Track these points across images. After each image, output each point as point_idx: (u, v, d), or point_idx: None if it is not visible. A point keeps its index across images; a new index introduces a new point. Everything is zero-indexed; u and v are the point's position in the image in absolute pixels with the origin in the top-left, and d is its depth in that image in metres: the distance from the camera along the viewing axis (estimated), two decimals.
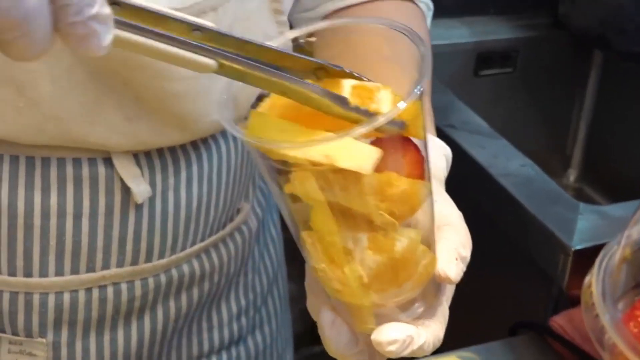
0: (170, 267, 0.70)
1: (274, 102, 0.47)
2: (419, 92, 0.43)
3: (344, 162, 0.42)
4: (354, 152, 0.42)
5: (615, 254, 0.36)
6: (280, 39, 0.50)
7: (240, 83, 0.48)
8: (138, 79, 0.61)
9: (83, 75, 0.61)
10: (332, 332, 0.50)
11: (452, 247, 0.51)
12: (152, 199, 0.68)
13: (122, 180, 0.66)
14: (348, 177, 0.44)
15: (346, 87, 0.46)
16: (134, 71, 0.61)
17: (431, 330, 0.50)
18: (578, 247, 0.95)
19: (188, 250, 0.71)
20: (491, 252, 1.00)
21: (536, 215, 0.99)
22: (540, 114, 1.50)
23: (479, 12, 1.43)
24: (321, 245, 0.47)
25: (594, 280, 0.35)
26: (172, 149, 0.68)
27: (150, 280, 0.69)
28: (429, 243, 0.49)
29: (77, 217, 0.66)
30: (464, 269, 0.51)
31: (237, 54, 0.43)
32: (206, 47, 0.42)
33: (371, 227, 0.46)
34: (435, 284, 0.51)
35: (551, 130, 1.53)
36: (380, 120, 0.41)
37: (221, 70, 0.42)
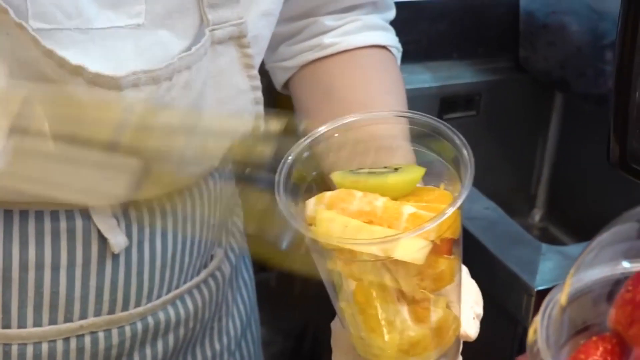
0: (147, 315, 0.73)
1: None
2: (461, 200, 0.51)
3: (401, 256, 0.50)
4: (408, 246, 0.50)
5: (558, 300, 0.41)
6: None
7: None
8: (116, 140, 0.64)
9: (62, 139, 0.63)
10: None
11: (469, 306, 0.57)
12: (128, 249, 0.71)
13: (99, 231, 0.69)
14: (398, 263, 0.51)
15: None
16: (112, 132, 0.63)
17: None
18: (541, 288, 0.99)
19: (164, 298, 0.74)
20: None
21: (499, 257, 1.03)
22: (505, 156, 1.54)
23: (441, 57, 1.47)
24: (362, 317, 0.53)
25: (538, 326, 0.40)
26: (148, 201, 0.71)
27: (127, 328, 0.72)
28: (454, 305, 0.56)
29: (55, 268, 0.68)
30: (479, 325, 0.58)
31: None
32: None
33: (410, 300, 0.53)
34: (457, 342, 0.57)
35: (516, 171, 1.58)
36: (427, 226, 0.49)
37: None
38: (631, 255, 0.42)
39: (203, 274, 0.78)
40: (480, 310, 0.59)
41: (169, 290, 0.74)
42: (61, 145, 0.64)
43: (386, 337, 0.53)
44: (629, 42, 0.73)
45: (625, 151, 0.75)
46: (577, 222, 1.51)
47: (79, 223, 0.69)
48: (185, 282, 0.76)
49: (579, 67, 1.40)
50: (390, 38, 0.81)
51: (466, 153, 0.54)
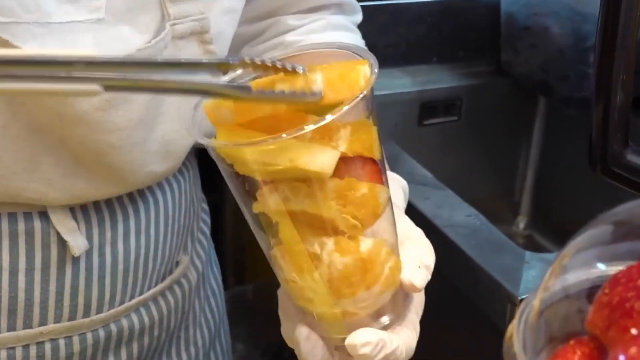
0: (109, 322, 0.73)
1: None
2: (361, 96, 0.49)
3: (307, 165, 0.49)
4: (315, 156, 0.49)
5: (534, 305, 0.42)
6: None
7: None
8: (74, 134, 0.65)
9: (18, 131, 0.64)
10: (307, 346, 0.55)
11: (415, 256, 0.56)
12: (89, 253, 0.71)
13: (58, 234, 0.69)
14: (313, 184, 0.50)
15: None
16: (69, 125, 0.64)
17: (402, 337, 0.55)
18: (524, 296, 1.00)
19: (127, 304, 0.74)
20: (438, 303, 1.06)
21: (482, 265, 1.04)
22: (487, 162, 1.56)
23: (421, 61, 1.48)
24: (290, 256, 0.53)
25: (514, 332, 0.41)
26: (109, 202, 0.71)
27: (89, 336, 0.72)
28: (393, 251, 0.55)
29: (14, 272, 0.68)
30: (429, 277, 0.57)
31: (122, 73, 0.47)
32: (87, 76, 0.46)
33: (336, 232, 0.52)
34: (403, 295, 0.57)
35: (499, 177, 1.59)
36: (328, 119, 0.48)
37: (110, 90, 0.46)
38: (607, 258, 0.43)
39: (168, 281, 0.78)
40: (429, 262, 0.57)
41: (132, 297, 0.75)
42: (16, 139, 0.64)
43: (315, 274, 0.53)
44: (608, 44, 0.75)
45: (607, 155, 0.77)
46: (562, 229, 1.52)
47: (37, 225, 0.69)
48: (149, 289, 0.76)
49: (562, 70, 1.41)
50: (356, 40, 0.82)
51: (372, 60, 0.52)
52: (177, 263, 0.80)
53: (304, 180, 0.51)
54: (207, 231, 0.88)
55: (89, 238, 0.71)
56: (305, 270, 0.53)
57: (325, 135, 0.50)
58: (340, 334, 0.55)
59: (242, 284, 1.85)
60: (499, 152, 1.57)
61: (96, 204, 0.71)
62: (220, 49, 0.73)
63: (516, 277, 1.03)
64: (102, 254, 0.72)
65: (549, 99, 1.53)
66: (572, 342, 0.42)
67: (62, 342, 0.71)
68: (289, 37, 0.79)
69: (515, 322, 0.41)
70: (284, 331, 0.59)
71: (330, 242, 0.53)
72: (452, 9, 1.48)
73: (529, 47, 1.46)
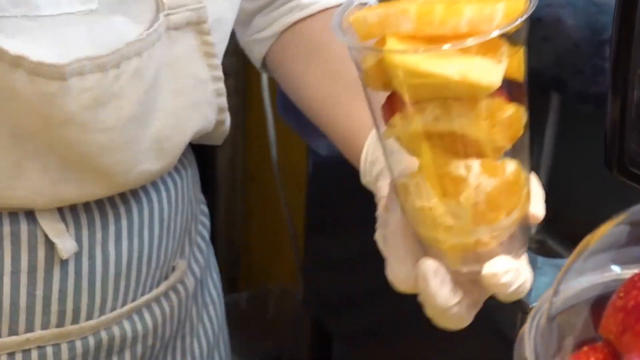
0: (99, 329, 0.74)
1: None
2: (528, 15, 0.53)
3: (479, 78, 0.52)
4: (484, 69, 0.52)
5: (546, 309, 0.43)
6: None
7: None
8: (63, 137, 0.66)
9: (4, 138, 0.65)
10: (435, 281, 0.57)
11: (537, 188, 0.60)
12: (78, 256, 0.72)
13: (46, 235, 0.70)
14: (465, 103, 0.53)
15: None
16: (59, 128, 0.65)
17: (528, 270, 0.59)
18: (536, 304, 1.02)
19: (118, 311, 0.75)
20: None
21: None
22: None
23: None
24: (431, 181, 0.55)
25: (526, 337, 0.42)
26: (100, 203, 0.72)
27: (78, 344, 0.73)
28: (528, 176, 0.58)
29: None
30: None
31: None
32: None
33: (479, 154, 0.55)
34: (524, 228, 0.60)
35: None
36: (506, 29, 0.52)
37: None
38: (621, 261, 0.44)
39: (163, 287, 0.79)
40: (542, 192, 0.62)
41: (124, 303, 0.75)
42: (2, 144, 0.65)
43: (462, 197, 0.55)
44: (625, 36, 0.76)
45: (624, 154, 0.78)
46: (577, 234, 1.53)
47: (24, 227, 0.70)
48: (143, 295, 0.77)
49: (576, 65, 1.42)
50: None
51: None
52: (174, 268, 0.81)
53: (457, 99, 0.53)
54: (207, 235, 0.88)
55: (79, 240, 0.72)
56: (450, 194, 0.56)
57: (489, 50, 0.53)
58: (469, 266, 0.58)
59: (235, 292, 1.87)
60: None
61: (86, 205, 0.72)
62: (220, 39, 0.74)
63: None
64: (92, 257, 0.73)
65: (562, 95, 1.54)
66: (585, 348, 0.44)
67: (49, 350, 0.72)
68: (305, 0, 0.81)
69: (526, 326, 0.43)
70: (395, 273, 0.60)
71: (476, 164, 0.55)
72: None
73: (542, 39, 1.47)
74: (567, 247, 1.61)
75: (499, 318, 1.06)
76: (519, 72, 0.56)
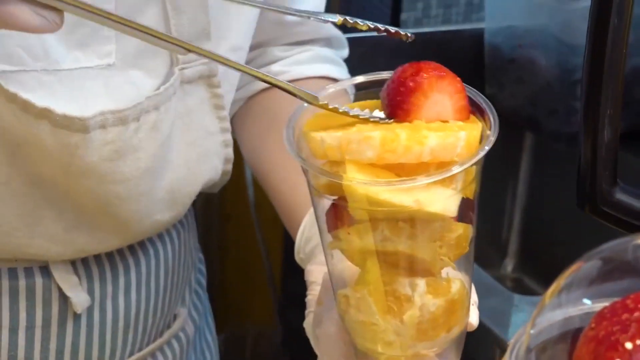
0: None
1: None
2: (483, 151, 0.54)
3: (433, 207, 0.53)
4: (438, 197, 0.53)
5: (523, 342, 0.46)
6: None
7: None
8: (81, 186, 0.68)
9: (21, 186, 0.68)
10: None
11: (475, 298, 0.61)
12: (90, 309, 0.74)
13: (60, 289, 0.73)
14: (417, 225, 0.54)
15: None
16: (76, 178, 0.67)
17: None
18: (513, 339, 1.04)
19: None
20: None
21: None
22: None
23: None
24: (376, 297, 0.56)
25: None
26: (110, 255, 0.75)
27: None
28: (468, 291, 0.59)
29: (14, 330, 0.72)
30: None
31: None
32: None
33: (424, 272, 0.56)
34: (460, 339, 0.61)
35: (485, 216, 1.61)
36: (464, 165, 0.52)
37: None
38: (593, 295, 0.47)
39: (166, 335, 0.81)
40: (476, 298, 0.62)
41: (131, 353, 0.78)
42: (18, 194, 0.68)
43: (405, 316, 0.56)
44: (595, 77, 0.78)
45: (595, 194, 0.81)
46: (552, 272, 1.55)
47: (38, 281, 0.72)
48: (148, 344, 0.79)
49: (549, 104, 1.44)
50: (342, 73, 0.88)
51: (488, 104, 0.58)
52: (175, 316, 0.83)
53: (408, 221, 0.54)
54: (204, 281, 0.91)
55: (90, 292, 0.74)
56: (394, 312, 0.56)
57: (446, 180, 0.53)
58: None
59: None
60: (485, 190, 1.60)
61: (97, 257, 0.75)
62: (228, 90, 0.77)
63: (505, 321, 1.07)
64: (103, 309, 0.75)
65: (536, 135, 1.56)
66: None
67: None
68: (275, 67, 0.85)
69: (506, 358, 0.45)
70: None
71: (422, 283, 0.56)
72: (433, 41, 1.52)
73: (515, 80, 1.50)
74: (542, 285, 1.63)
75: (477, 355, 1.09)
76: (471, 191, 0.56)
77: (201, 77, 0.73)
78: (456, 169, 0.52)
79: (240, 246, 1.87)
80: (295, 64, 0.85)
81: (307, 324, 0.66)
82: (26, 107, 0.64)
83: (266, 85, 0.83)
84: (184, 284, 0.84)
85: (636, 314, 0.42)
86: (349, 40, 0.95)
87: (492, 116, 0.57)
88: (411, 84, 0.54)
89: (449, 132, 0.53)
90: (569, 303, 0.48)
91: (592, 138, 0.81)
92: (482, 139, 0.55)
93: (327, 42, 0.88)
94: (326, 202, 0.56)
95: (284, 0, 0.82)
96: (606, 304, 0.45)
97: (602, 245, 0.48)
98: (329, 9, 0.92)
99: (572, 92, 1.40)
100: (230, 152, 0.79)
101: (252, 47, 0.85)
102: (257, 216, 1.63)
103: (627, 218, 0.79)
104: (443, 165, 0.53)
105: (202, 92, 0.74)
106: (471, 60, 1.55)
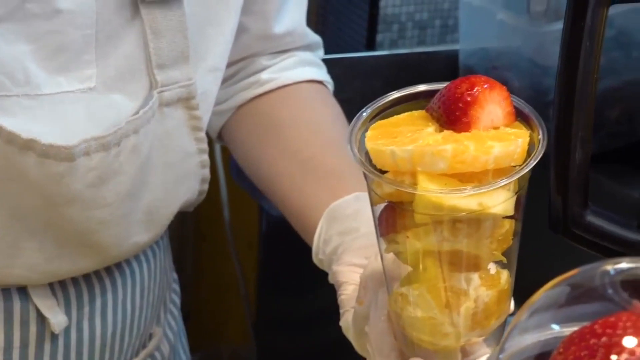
0: None
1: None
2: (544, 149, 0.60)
3: (496, 208, 0.58)
4: (499, 199, 0.58)
5: None
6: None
7: None
8: (63, 215, 0.69)
9: (2, 219, 0.68)
10: None
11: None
12: (67, 329, 0.75)
13: (38, 311, 0.73)
14: (472, 224, 0.58)
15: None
16: (61, 207, 0.68)
17: None
18: None
19: None
20: None
21: None
22: None
23: None
24: (432, 294, 0.60)
25: None
26: (87, 277, 0.76)
27: None
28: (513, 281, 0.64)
29: None
30: None
31: None
32: None
33: (476, 267, 0.60)
34: (503, 324, 0.64)
35: None
36: (519, 173, 0.57)
37: None
38: (561, 320, 0.48)
39: (142, 355, 0.82)
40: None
41: None
42: (0, 225, 0.68)
43: (462, 308, 0.60)
44: (566, 98, 0.78)
45: (567, 216, 0.81)
46: (524, 291, 1.56)
47: (17, 303, 0.73)
48: None
49: None
50: (324, 74, 0.91)
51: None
52: (151, 335, 0.84)
53: (464, 221, 0.58)
54: (178, 301, 0.93)
55: (68, 313, 0.75)
56: (451, 306, 0.60)
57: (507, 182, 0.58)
58: None
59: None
60: None
61: (74, 278, 0.75)
62: (206, 110, 0.78)
63: None
64: (80, 330, 0.76)
65: None
66: None
67: None
68: (264, 75, 0.86)
69: None
70: None
71: (475, 277, 0.60)
72: (408, 62, 1.53)
73: None
74: (516, 305, 1.64)
75: None
76: (523, 189, 0.62)
77: (180, 99, 0.74)
78: (520, 172, 0.58)
79: (215, 265, 1.87)
80: (283, 70, 0.87)
81: (346, 321, 0.68)
82: (11, 139, 0.65)
83: (257, 92, 0.84)
84: (159, 304, 0.85)
85: (604, 339, 0.43)
86: (325, 61, 0.96)
87: (537, 120, 0.62)
88: (469, 98, 0.58)
89: (510, 141, 0.58)
90: (537, 328, 0.49)
91: (564, 160, 0.81)
92: (532, 141, 0.60)
93: (308, 47, 0.91)
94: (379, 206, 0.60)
95: (267, 14, 0.84)
96: (574, 329, 0.45)
97: (570, 272, 0.48)
98: None
99: (545, 114, 1.40)
100: (207, 172, 0.80)
101: (238, 61, 0.87)
102: (232, 235, 1.63)
103: (599, 241, 0.79)
104: (501, 170, 0.58)
105: (180, 114, 0.75)
106: (446, 81, 1.56)
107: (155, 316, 0.84)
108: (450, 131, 0.58)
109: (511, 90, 1.44)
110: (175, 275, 0.93)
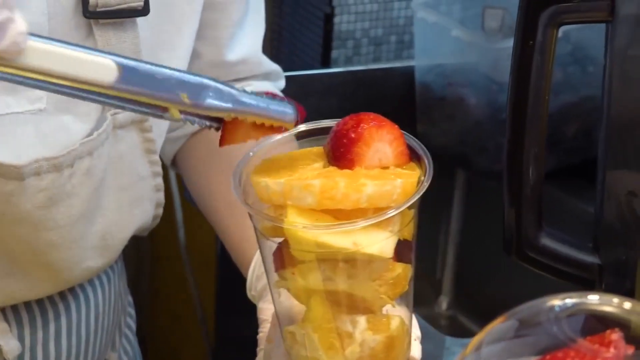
0: None
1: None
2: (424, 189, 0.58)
3: (370, 248, 0.56)
4: (375, 239, 0.56)
5: None
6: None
7: None
8: (13, 234, 0.68)
9: None
10: None
11: (417, 332, 0.64)
12: (20, 356, 0.75)
13: None
14: (357, 265, 0.57)
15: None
16: (10, 226, 0.68)
17: None
18: None
19: None
20: None
21: None
22: None
23: None
24: (319, 334, 0.59)
25: None
26: (40, 301, 0.75)
27: None
28: (409, 327, 0.63)
29: None
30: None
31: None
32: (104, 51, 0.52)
33: (365, 310, 0.59)
34: None
35: (419, 256, 1.62)
36: (389, 213, 0.56)
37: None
38: (511, 354, 0.46)
39: None
40: (419, 333, 0.65)
41: None
42: None
43: (347, 351, 0.59)
44: (519, 115, 0.77)
45: (521, 239, 0.80)
46: (486, 309, 1.55)
47: None
48: None
49: (479, 142, 1.46)
50: None
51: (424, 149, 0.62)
52: None
53: (348, 261, 0.57)
54: (133, 325, 0.91)
55: (21, 339, 0.75)
56: (335, 348, 0.59)
57: (383, 223, 0.57)
58: None
59: None
60: (419, 226, 1.60)
61: (27, 303, 0.75)
62: (159, 134, 0.77)
63: None
64: (33, 356, 0.76)
65: (467, 172, 1.57)
66: None
67: None
68: None
69: None
70: None
71: (362, 320, 0.59)
72: (364, 79, 1.53)
73: (446, 118, 1.51)
74: (476, 322, 1.63)
75: None
76: (409, 233, 0.60)
77: (133, 122, 0.74)
78: (390, 213, 0.56)
79: (171, 288, 1.85)
80: None
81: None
82: None
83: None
84: (114, 328, 0.85)
85: None
86: None
87: (427, 162, 0.61)
88: (353, 135, 0.57)
89: (386, 180, 0.57)
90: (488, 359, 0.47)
91: (517, 178, 0.80)
92: (419, 183, 0.59)
93: (266, 76, 0.91)
94: (272, 244, 0.59)
95: (219, 41, 0.84)
96: None
97: (519, 306, 0.48)
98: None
99: (501, 130, 1.40)
100: (161, 196, 0.80)
101: None
102: (188, 257, 1.61)
103: (553, 263, 0.78)
104: (381, 210, 0.57)
105: (134, 136, 0.75)
106: (402, 98, 1.56)
107: (111, 341, 0.84)
108: (335, 167, 0.58)
109: (467, 107, 1.42)
110: (130, 299, 0.93)
